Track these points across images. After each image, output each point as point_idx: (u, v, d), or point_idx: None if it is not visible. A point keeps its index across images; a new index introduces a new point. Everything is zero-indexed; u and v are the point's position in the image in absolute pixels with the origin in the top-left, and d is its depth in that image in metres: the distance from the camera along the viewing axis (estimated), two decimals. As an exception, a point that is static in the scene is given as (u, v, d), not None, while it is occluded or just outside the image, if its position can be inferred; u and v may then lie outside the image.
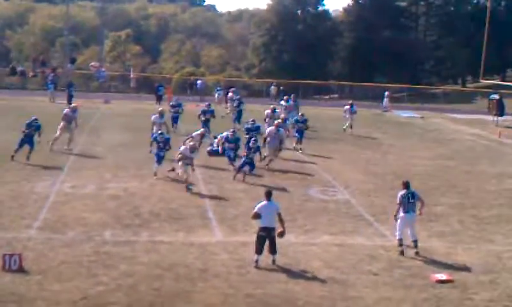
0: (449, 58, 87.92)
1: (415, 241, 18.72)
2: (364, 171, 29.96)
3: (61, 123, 31.55)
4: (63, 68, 71.15)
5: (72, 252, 17.78)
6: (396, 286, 16.61)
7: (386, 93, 60.59)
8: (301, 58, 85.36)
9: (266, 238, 17.32)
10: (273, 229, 17.39)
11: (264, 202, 17.55)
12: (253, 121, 31.43)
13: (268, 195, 17.69)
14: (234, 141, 28.45)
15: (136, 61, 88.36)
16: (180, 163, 25.18)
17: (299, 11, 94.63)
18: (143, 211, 21.98)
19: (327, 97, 74.48)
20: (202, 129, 31.91)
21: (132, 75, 70.07)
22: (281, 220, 17.45)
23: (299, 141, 33.81)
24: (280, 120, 32.13)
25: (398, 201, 18.92)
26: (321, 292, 15.98)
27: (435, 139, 42.06)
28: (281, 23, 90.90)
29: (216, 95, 58.17)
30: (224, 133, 29.82)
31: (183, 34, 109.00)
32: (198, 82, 67.40)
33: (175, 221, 21.09)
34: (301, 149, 33.52)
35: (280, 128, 30.18)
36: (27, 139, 28.33)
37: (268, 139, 29.61)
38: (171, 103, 40.00)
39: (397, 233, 19.02)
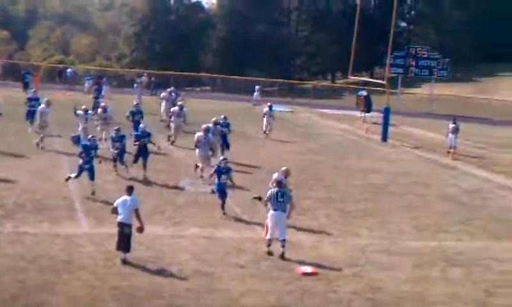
0: (320, 54, 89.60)
1: (283, 240, 18.37)
2: (235, 164, 29.97)
3: None
4: None
5: None
6: (262, 279, 16.69)
7: (257, 87, 61.03)
8: (173, 49, 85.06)
9: (121, 233, 16.95)
10: (127, 225, 16.97)
11: (124, 197, 17.21)
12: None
13: (129, 190, 17.32)
14: (118, 139, 26.03)
15: (2, 46, 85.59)
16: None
17: (171, 2, 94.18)
18: (7, 202, 21.30)
19: (198, 89, 74.47)
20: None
21: (-2, 61, 67.90)
22: (137, 216, 17.07)
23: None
24: (210, 124, 28.93)
25: (266, 198, 18.94)
26: (187, 285, 15.86)
27: (305, 134, 42.71)
28: (153, 13, 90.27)
29: (86, 84, 57.14)
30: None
31: (52, 21, 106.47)
32: (68, 70, 65.96)
33: (40, 212, 20.52)
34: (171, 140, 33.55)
35: (209, 134, 27.63)
36: None
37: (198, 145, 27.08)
38: (27, 97, 36.72)
39: (267, 234, 18.73)
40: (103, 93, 49.90)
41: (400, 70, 66.89)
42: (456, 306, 15.91)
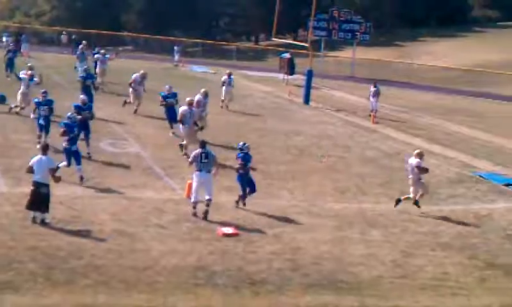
0: (243, 15, 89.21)
1: (209, 200, 18.37)
2: (155, 125, 29.77)
3: None
4: None
5: None
6: (183, 239, 16.68)
7: (176, 48, 60.52)
8: (95, 7, 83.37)
9: (38, 192, 16.65)
10: (44, 185, 16.68)
11: (38, 156, 16.89)
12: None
13: (44, 149, 16.99)
14: (46, 103, 24.19)
15: None
16: None
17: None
18: None
19: (121, 49, 73.38)
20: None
21: None
22: (53, 176, 16.81)
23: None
24: (194, 99, 27.23)
25: (190, 159, 18.87)
26: (108, 245, 15.73)
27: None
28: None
29: (4, 40, 55.89)
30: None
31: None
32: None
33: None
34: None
35: (193, 108, 25.91)
36: None
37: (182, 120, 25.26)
38: None
39: (192, 196, 18.66)
40: (22, 50, 48.76)
41: (324, 33, 67.27)
42: (373, 266, 16.19)
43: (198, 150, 18.76)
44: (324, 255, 16.59)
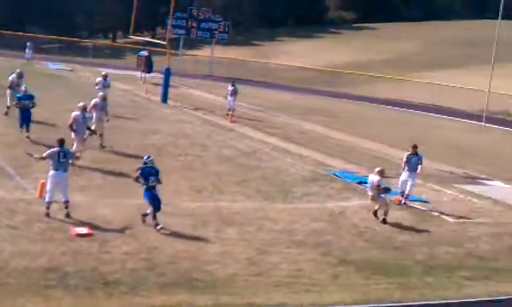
0: (101, 12, 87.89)
1: (66, 202, 18.08)
2: (7, 123, 28.85)
3: None
4: None
5: None
6: (34, 240, 16.21)
7: (28, 44, 59.00)
8: None
9: None
10: None
11: None
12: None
13: None
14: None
15: None
16: None
17: None
18: None
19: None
20: None
21: None
22: None
23: None
24: (97, 99, 27.70)
25: (45, 155, 18.37)
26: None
27: (85, 93, 41.74)
28: None
29: None
30: None
31: None
32: None
33: None
34: None
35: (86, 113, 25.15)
36: None
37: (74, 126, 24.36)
38: None
39: (46, 195, 18.20)
40: None
41: (182, 31, 67.31)
42: (228, 264, 16.25)
43: (56, 149, 18.28)
44: (180, 254, 16.52)
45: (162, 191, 20.78)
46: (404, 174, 22.87)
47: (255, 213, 20.61)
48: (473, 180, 28.51)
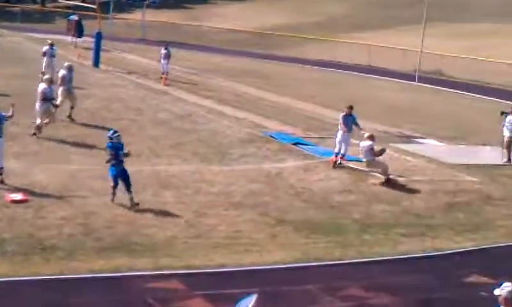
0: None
1: (0, 168, 17.84)
2: None
3: None
4: None
5: None
6: (-31, 209, 15.89)
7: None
8: None
9: None
10: None
11: None
12: None
13: None
14: None
15: None
16: None
17: None
18: None
19: None
20: None
21: None
22: None
23: None
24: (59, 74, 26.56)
25: None
26: None
27: (14, 59, 40.91)
28: None
29: None
30: None
31: None
32: None
33: None
34: None
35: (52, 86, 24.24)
36: None
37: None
38: None
39: None
40: None
41: (112, -5, 66.29)
42: (166, 227, 16.20)
43: None
44: (118, 218, 16.39)
45: (98, 156, 20.55)
46: (340, 135, 22.96)
47: (192, 176, 20.54)
48: (407, 138, 28.92)
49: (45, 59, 34.16)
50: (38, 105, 23.45)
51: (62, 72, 26.61)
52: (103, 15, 49.47)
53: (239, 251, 15.37)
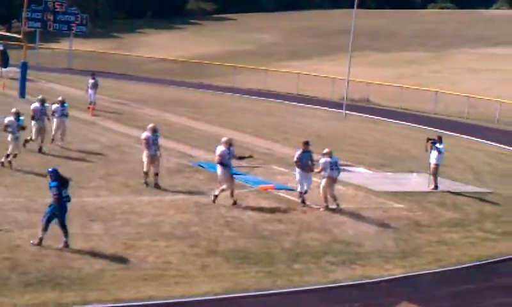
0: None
1: None
2: None
3: None
4: None
5: None
6: None
7: None
8: None
9: None
10: None
11: None
12: None
13: None
14: None
15: None
16: None
17: None
18: None
19: None
20: None
21: None
22: None
23: None
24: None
25: None
26: None
27: None
28: None
29: None
30: None
31: None
32: None
33: None
34: None
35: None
36: None
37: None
38: None
39: None
40: None
41: (38, 24, 65.58)
42: (94, 260, 15.90)
43: None
44: (46, 251, 16.02)
45: (25, 188, 20.15)
46: (298, 174, 22.33)
47: (121, 207, 20.28)
48: (335, 166, 29.09)
49: None
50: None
51: (34, 106, 27.11)
52: (29, 45, 48.75)
53: (168, 283, 15.17)
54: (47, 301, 13.58)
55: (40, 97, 27.83)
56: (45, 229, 16.47)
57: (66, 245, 16.47)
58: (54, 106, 28.09)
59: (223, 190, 21.47)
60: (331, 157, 21.94)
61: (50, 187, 16.69)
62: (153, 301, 14.19)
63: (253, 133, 35.38)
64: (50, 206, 16.62)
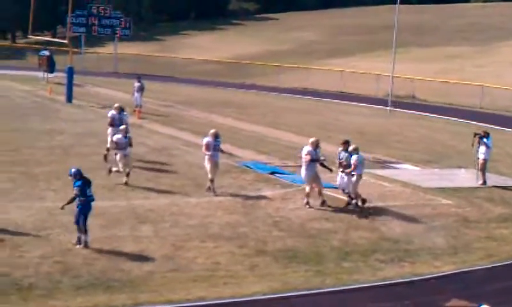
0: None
1: None
2: None
3: None
4: None
5: None
6: None
7: None
8: None
9: None
10: None
11: None
12: None
13: None
14: None
15: None
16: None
17: None
18: None
19: None
20: None
21: None
22: None
23: None
24: None
25: None
26: None
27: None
28: None
29: None
30: None
31: None
32: None
33: None
34: None
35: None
36: None
37: None
38: None
39: None
40: None
41: (83, 29, 66.28)
42: (144, 262, 16.06)
43: None
44: (95, 255, 16.23)
45: (71, 191, 20.32)
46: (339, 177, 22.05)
47: (169, 209, 20.41)
48: (382, 164, 28.95)
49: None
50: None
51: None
52: (74, 50, 49.32)
53: (218, 283, 15.26)
54: (98, 304, 13.76)
55: (116, 105, 26.79)
56: (85, 231, 16.72)
57: (86, 244, 16.69)
58: (111, 113, 26.73)
59: (307, 194, 21.37)
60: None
61: (74, 186, 16.94)
62: (203, 302, 14.29)
63: (297, 132, 35.32)
64: (77, 207, 16.87)
